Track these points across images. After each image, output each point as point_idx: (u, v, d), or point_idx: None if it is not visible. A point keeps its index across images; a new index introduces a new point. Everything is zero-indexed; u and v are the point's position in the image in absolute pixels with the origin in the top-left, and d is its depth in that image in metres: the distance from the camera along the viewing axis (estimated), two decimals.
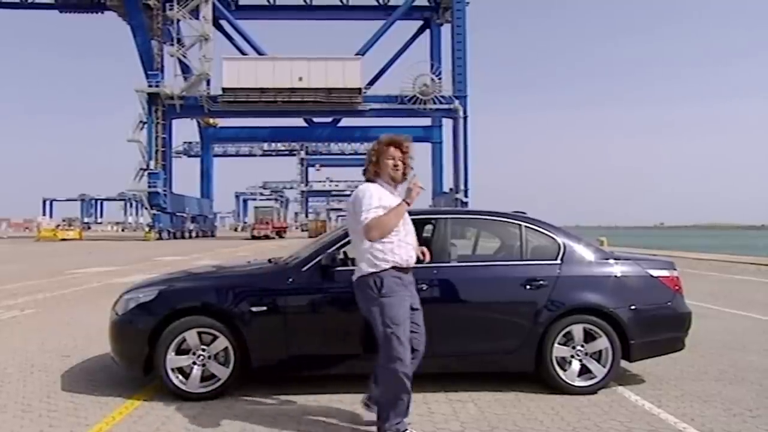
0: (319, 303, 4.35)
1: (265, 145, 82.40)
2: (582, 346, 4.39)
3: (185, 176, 71.83)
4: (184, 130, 79.73)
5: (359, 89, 45.94)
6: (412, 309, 3.58)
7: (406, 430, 3.42)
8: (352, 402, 4.11)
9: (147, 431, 3.64)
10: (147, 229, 48.14)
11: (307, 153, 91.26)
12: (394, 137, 3.63)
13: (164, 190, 47.10)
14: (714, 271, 16.06)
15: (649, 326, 4.48)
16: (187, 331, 4.20)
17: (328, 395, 4.25)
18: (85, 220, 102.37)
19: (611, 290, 4.49)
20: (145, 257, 22.16)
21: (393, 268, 3.45)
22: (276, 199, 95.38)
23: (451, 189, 48.10)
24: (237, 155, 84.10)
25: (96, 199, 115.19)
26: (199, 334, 4.23)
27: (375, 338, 3.72)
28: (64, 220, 71.06)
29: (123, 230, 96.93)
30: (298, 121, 54.13)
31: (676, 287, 4.69)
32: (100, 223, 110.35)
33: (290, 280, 4.30)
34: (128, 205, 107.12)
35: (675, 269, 4.78)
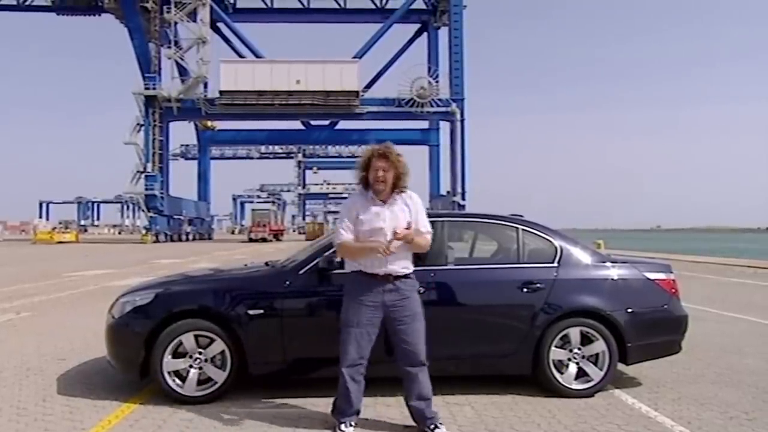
0: (316, 306, 4.34)
1: (263, 148, 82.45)
2: (579, 349, 4.39)
3: (182, 179, 71.63)
4: (182, 133, 79.57)
5: (357, 92, 46.05)
6: (396, 320, 3.60)
7: (335, 427, 3.61)
8: None
9: None
10: (144, 231, 48.10)
11: (304, 156, 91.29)
12: (374, 148, 3.64)
13: (161, 193, 47.07)
14: (711, 274, 16.10)
15: (645, 329, 4.49)
16: (183, 335, 4.19)
17: (325, 398, 4.23)
18: (82, 222, 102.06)
19: (608, 293, 4.49)
20: (141, 260, 22.11)
21: (359, 272, 3.62)
22: (273, 202, 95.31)
23: (448, 192, 48.20)
24: (234, 158, 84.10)
25: (93, 202, 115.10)
26: (196, 337, 4.22)
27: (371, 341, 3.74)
28: (60, 223, 70.88)
29: (120, 233, 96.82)
30: (296, 124, 54.23)
31: (673, 290, 4.69)
32: (97, 225, 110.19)
33: (287, 283, 4.29)
34: (125, 207, 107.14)
35: (672, 272, 4.79)
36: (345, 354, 3.59)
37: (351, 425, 3.63)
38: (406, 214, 3.62)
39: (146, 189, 46.28)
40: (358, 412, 3.70)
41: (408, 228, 3.53)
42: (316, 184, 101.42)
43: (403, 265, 3.64)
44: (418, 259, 4.60)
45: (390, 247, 3.46)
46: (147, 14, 46.64)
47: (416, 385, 3.64)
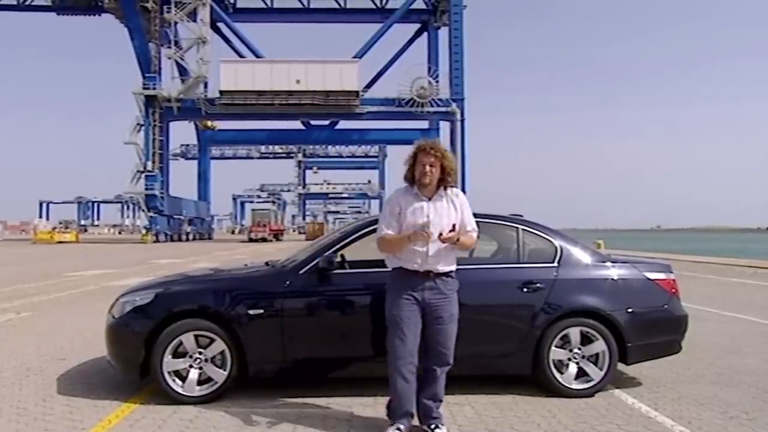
0: (316, 306, 4.34)
1: (263, 148, 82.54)
2: (579, 349, 4.39)
3: (182, 179, 71.86)
4: (182, 133, 79.66)
5: (357, 92, 46.01)
6: (434, 319, 3.56)
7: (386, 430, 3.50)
8: (349, 405, 4.12)
9: None
10: (144, 231, 48.07)
11: (304, 155, 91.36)
12: (422, 143, 3.63)
13: (161, 193, 47.06)
14: (711, 274, 16.09)
15: (645, 329, 4.49)
16: (183, 334, 4.20)
17: (325, 398, 4.24)
18: (82, 222, 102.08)
19: (608, 293, 4.49)
20: (141, 260, 22.11)
21: (400, 269, 3.59)
22: (273, 202, 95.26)
23: None
24: (234, 158, 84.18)
25: (93, 202, 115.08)
26: (196, 337, 4.22)
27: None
28: (60, 223, 70.97)
29: (120, 233, 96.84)
30: (296, 124, 54.19)
31: (673, 290, 4.69)
32: (97, 225, 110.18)
33: (287, 282, 4.29)
34: (125, 207, 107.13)
35: (672, 272, 4.79)
36: (393, 352, 3.53)
37: (400, 428, 3.50)
38: (451, 211, 3.59)
39: (146, 189, 46.26)
40: (411, 415, 3.57)
41: (453, 229, 3.51)
42: (316, 184, 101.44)
43: (445, 263, 3.60)
44: None
45: (428, 229, 3.39)
46: (147, 14, 46.60)
47: (435, 385, 3.62)
